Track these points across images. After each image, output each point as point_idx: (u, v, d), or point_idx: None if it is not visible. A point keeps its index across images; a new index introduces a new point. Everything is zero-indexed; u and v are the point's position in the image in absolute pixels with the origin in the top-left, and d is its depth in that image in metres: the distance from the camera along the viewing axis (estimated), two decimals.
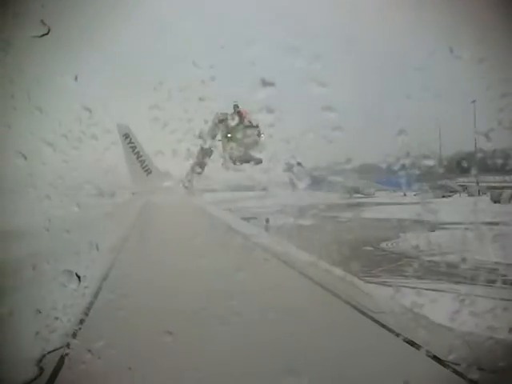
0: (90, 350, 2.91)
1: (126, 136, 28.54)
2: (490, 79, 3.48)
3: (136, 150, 28.33)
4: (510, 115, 3.23)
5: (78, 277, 3.38)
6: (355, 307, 3.50)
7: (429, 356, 2.57)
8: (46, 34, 2.99)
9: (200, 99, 5.01)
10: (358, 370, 2.61)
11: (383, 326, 3.04)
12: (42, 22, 2.94)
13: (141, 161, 28.91)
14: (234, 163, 15.79)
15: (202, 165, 19.86)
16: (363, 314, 3.34)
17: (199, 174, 19.53)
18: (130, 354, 3.02)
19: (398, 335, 2.89)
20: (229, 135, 15.29)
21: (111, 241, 7.75)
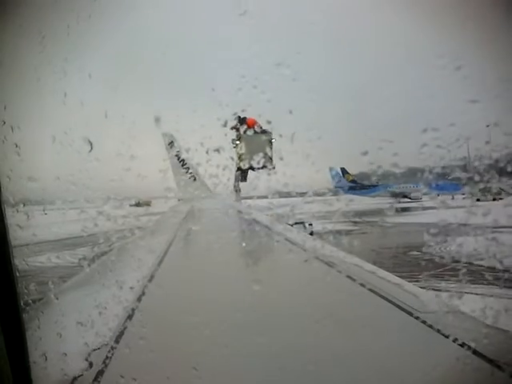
0: (140, 342, 2.94)
1: (172, 145, 29.35)
2: None
3: (181, 158, 29.05)
4: None
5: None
6: (400, 307, 3.50)
7: (477, 355, 2.56)
8: None
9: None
10: (404, 370, 2.63)
11: (430, 326, 3.05)
12: None
13: (186, 168, 29.62)
14: (243, 170, 15.80)
15: (244, 173, 20.12)
16: (409, 314, 3.35)
17: (243, 181, 19.77)
18: (181, 345, 3.01)
19: (445, 335, 2.89)
20: (237, 142, 15.37)
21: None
